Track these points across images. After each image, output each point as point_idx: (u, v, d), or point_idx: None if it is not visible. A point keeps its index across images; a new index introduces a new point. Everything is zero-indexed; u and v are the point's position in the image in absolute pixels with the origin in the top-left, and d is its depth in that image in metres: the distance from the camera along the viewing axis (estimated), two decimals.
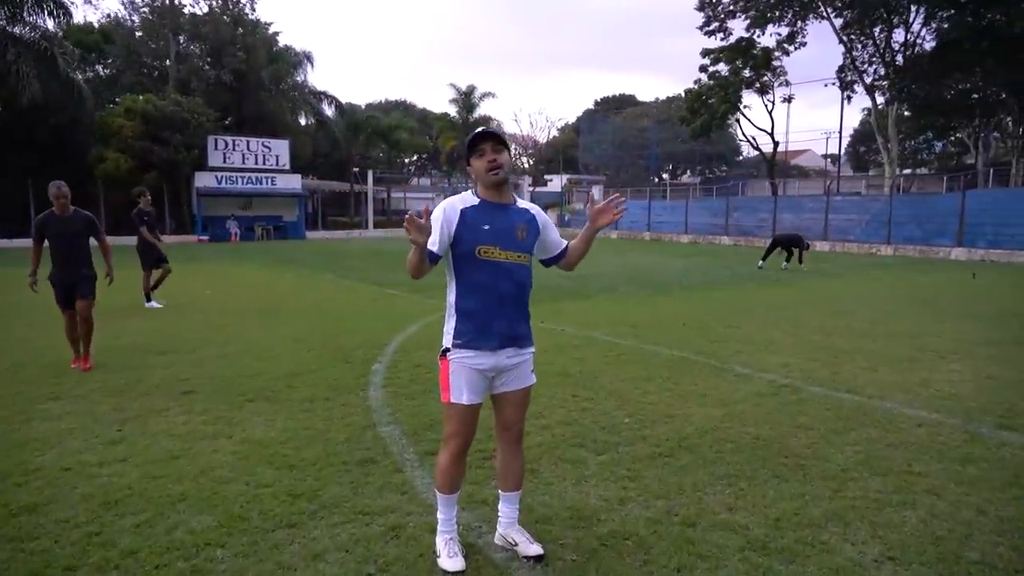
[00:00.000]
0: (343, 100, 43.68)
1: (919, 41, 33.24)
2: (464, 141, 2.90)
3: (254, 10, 38.74)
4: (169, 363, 6.63)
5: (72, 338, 6.48)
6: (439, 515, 2.98)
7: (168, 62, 36.68)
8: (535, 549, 2.95)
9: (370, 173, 41.28)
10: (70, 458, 4.11)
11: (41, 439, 4.45)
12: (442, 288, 3.13)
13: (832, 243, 27.39)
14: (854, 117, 59.44)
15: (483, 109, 50.40)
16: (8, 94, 26.66)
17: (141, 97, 32.26)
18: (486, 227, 2.77)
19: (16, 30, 27.68)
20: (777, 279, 15.12)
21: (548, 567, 2.89)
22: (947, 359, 6.80)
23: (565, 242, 3.12)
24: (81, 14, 57.81)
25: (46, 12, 28.11)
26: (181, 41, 37.30)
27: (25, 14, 27.72)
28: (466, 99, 48.73)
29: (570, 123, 75.38)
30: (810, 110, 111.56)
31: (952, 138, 48.15)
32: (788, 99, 40.55)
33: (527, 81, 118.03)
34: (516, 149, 74.18)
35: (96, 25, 37.69)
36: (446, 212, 2.78)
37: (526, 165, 72.42)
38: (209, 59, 37.25)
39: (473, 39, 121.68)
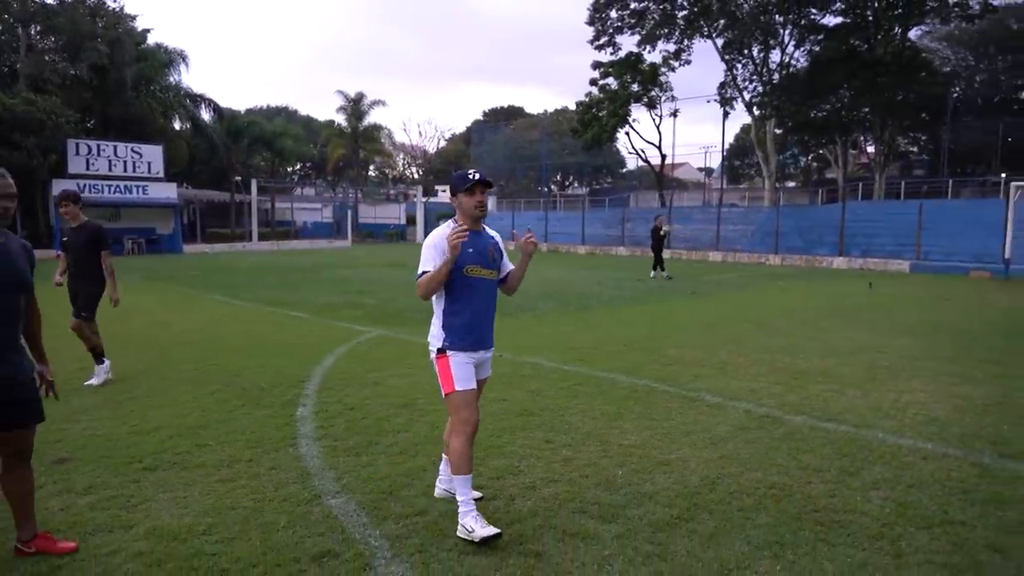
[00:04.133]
0: (222, 104, 40.89)
1: (793, 62, 35.29)
2: (455, 177, 3.43)
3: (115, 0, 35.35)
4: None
5: None
6: (461, 496, 3.30)
7: (19, 57, 32.76)
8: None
9: (254, 182, 38.78)
10: None
11: None
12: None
13: (724, 253, 28.30)
14: (730, 132, 62.54)
15: (372, 117, 49.06)
16: None
17: None
18: (470, 250, 3.32)
19: None
20: (693, 291, 15.11)
21: None
22: (903, 377, 6.66)
23: (510, 266, 3.62)
24: None
25: None
26: (32, 33, 33.44)
27: None
28: (355, 107, 47.23)
29: (459, 133, 75.22)
30: (687, 126, 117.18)
31: (815, 153, 51.82)
32: (674, 113, 41.95)
33: (415, 90, 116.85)
34: (405, 159, 73.01)
35: None
36: (442, 242, 3.28)
37: (416, 175, 71.35)
38: (65, 53, 33.60)
39: (359, 47, 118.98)
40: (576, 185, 69.72)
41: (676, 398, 5.82)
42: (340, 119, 50.14)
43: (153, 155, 31.78)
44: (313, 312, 11.19)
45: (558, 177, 69.40)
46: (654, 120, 41.11)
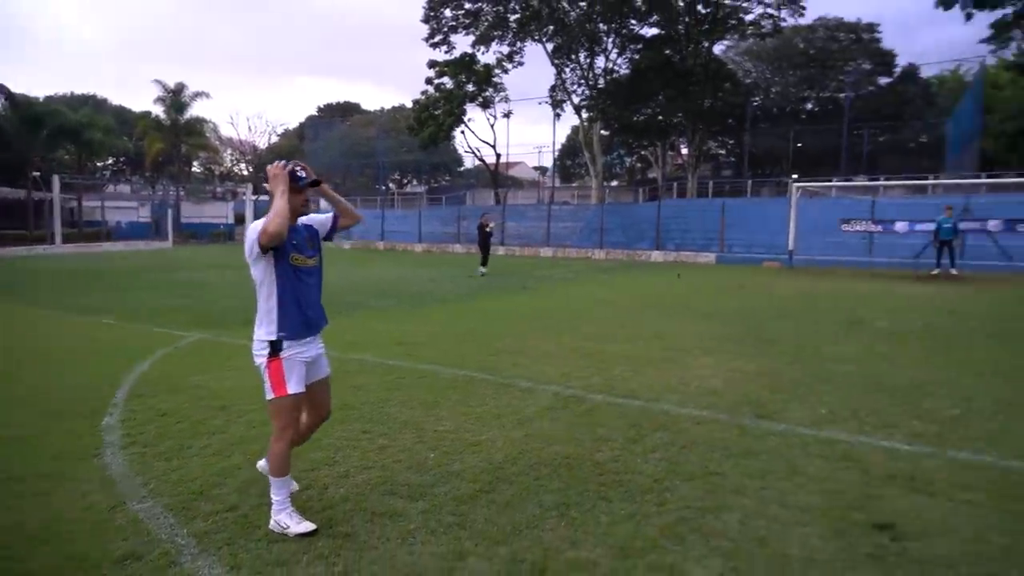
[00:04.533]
0: (15, 89, 36.41)
1: (616, 68, 37.64)
2: (283, 168, 3.49)
3: None
4: None
5: None
6: (277, 496, 3.41)
7: None
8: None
9: (56, 178, 34.89)
10: None
11: None
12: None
13: (554, 249, 29.67)
14: (562, 133, 65.36)
15: (195, 110, 46.10)
16: None
17: None
18: (293, 242, 3.46)
19: None
20: (524, 286, 15.83)
21: None
22: (692, 356, 7.53)
23: (330, 212, 3.74)
24: None
25: None
26: None
27: None
28: (175, 98, 44.23)
29: (292, 128, 72.41)
30: (524, 126, 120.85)
31: (638, 154, 55.62)
32: (508, 114, 43.12)
33: (244, 84, 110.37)
34: (233, 155, 69.12)
35: None
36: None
37: (245, 172, 67.77)
38: None
39: (179, 34, 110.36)
40: (415, 183, 69.53)
41: (492, 385, 6.22)
42: (158, 111, 46.58)
43: None
44: (126, 318, 10.49)
45: (397, 175, 68.90)
46: (489, 120, 42.07)
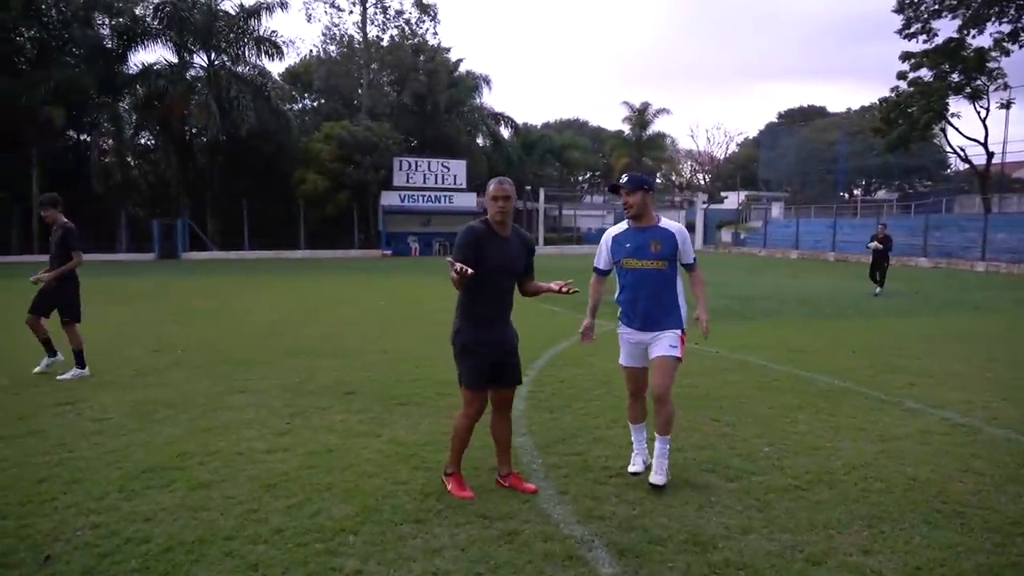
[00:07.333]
0: (519, 120, 44.28)
1: None
2: (615, 181, 4.27)
3: (436, 34, 41.08)
4: (337, 367, 7.47)
5: None
6: (632, 438, 4.36)
7: (360, 91, 41.69)
8: (658, 479, 4.06)
9: (542, 191, 43.88)
10: (243, 444, 4.80)
11: (223, 426, 5.22)
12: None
13: None
14: None
15: (657, 126, 42.02)
16: (230, 125, 32.99)
17: (337, 124, 36.36)
18: (627, 245, 4.11)
19: (239, 69, 35.84)
20: (977, 306, 14.27)
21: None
22: None
23: (690, 257, 4.16)
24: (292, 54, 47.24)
25: (263, 53, 36.06)
26: (372, 70, 41.82)
27: (246, 54, 35.64)
28: (639, 116, 47.77)
29: (751, 137, 70.99)
30: None
31: None
32: (1007, 104, 34.65)
33: (706, 95, 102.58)
34: (692, 165, 73.54)
35: (297, 62, 39.14)
36: (608, 239, 4.26)
37: (702, 182, 70.87)
38: (396, 86, 42.34)
39: (652, 54, 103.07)
40: (884, 190, 61.10)
41: (871, 400, 6.19)
42: (626, 128, 49.63)
43: (458, 169, 38.79)
44: (569, 308, 11.80)
45: (862, 182, 61.82)
46: (978, 114, 34.67)
